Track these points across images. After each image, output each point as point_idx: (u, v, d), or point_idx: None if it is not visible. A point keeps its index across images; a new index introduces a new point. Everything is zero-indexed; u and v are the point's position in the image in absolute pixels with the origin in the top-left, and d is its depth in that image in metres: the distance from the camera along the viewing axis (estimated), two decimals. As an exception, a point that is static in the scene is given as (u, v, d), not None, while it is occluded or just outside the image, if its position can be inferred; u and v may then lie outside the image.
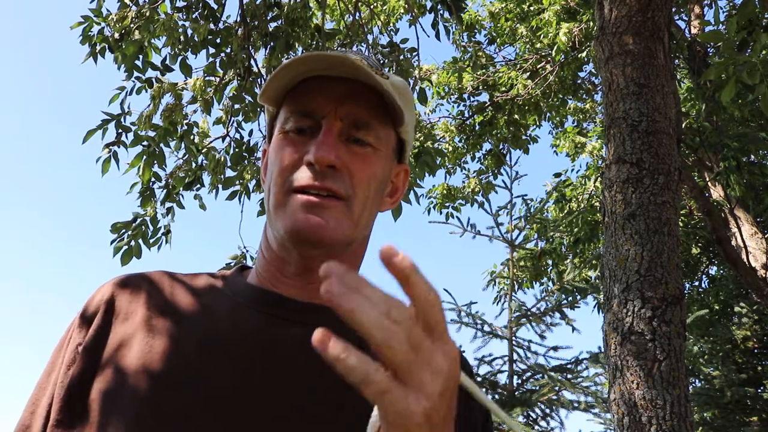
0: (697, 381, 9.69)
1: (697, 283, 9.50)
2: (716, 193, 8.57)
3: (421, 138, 7.36)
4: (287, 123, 0.97)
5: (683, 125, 6.98)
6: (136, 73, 5.46)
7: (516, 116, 10.08)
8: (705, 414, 9.28)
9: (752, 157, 7.93)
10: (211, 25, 5.61)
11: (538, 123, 10.60)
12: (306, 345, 0.86)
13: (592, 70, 10.54)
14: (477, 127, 10.46)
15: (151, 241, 5.79)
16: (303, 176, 0.92)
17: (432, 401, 0.55)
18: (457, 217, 9.64)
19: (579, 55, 9.57)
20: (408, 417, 0.55)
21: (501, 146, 10.26)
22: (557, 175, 11.06)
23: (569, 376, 6.62)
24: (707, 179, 8.59)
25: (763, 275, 7.37)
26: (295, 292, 0.97)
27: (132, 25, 5.30)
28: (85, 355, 0.89)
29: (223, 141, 6.07)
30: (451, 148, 10.47)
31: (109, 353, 0.89)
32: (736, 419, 9.38)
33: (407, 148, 1.06)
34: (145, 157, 5.51)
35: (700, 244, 9.31)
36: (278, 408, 0.85)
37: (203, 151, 5.94)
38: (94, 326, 0.92)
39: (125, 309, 0.94)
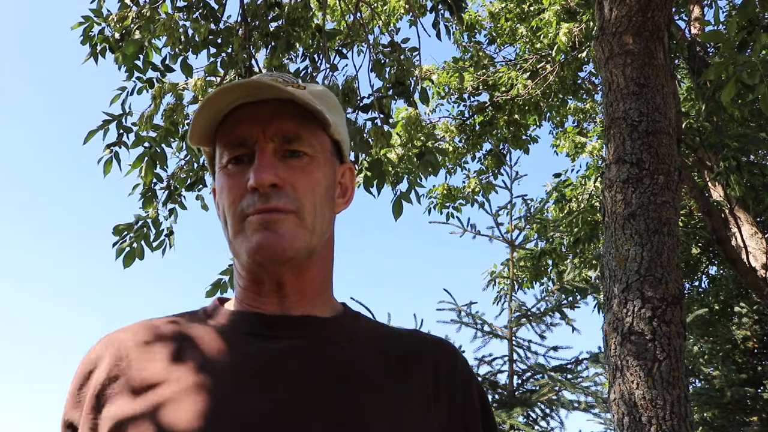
0: (697, 381, 9.70)
1: (697, 283, 9.52)
2: (716, 193, 8.57)
3: (422, 138, 7.37)
4: (223, 157, 1.01)
5: (683, 125, 6.99)
6: (136, 74, 5.46)
7: (516, 116, 10.09)
8: (705, 414, 9.29)
9: (752, 157, 7.94)
10: (212, 25, 5.61)
11: (538, 123, 10.61)
12: (296, 355, 0.96)
13: (592, 70, 10.54)
14: (477, 127, 10.47)
15: (155, 244, 5.79)
16: (251, 202, 0.96)
17: None
18: (457, 217, 9.67)
19: (579, 55, 9.57)
20: None
21: (501, 146, 10.27)
22: (557, 175, 11.07)
23: (569, 376, 6.63)
24: (707, 179, 8.59)
25: (763, 275, 7.38)
26: (274, 308, 1.01)
27: (132, 26, 5.31)
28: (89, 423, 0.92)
29: (224, 141, 6.06)
30: (451, 148, 10.48)
31: (117, 416, 0.91)
32: (736, 419, 9.39)
33: (344, 147, 1.09)
34: (146, 158, 5.51)
35: (700, 244, 9.32)
36: (285, 419, 0.88)
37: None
38: (88, 403, 0.95)
39: (122, 373, 0.96)
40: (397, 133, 7.70)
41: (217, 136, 1.02)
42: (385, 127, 5.34)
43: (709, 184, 8.66)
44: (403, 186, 5.66)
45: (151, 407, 0.89)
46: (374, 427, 0.91)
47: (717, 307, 8.78)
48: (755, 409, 9.53)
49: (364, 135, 5.38)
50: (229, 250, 1.05)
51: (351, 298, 6.97)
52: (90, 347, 1.03)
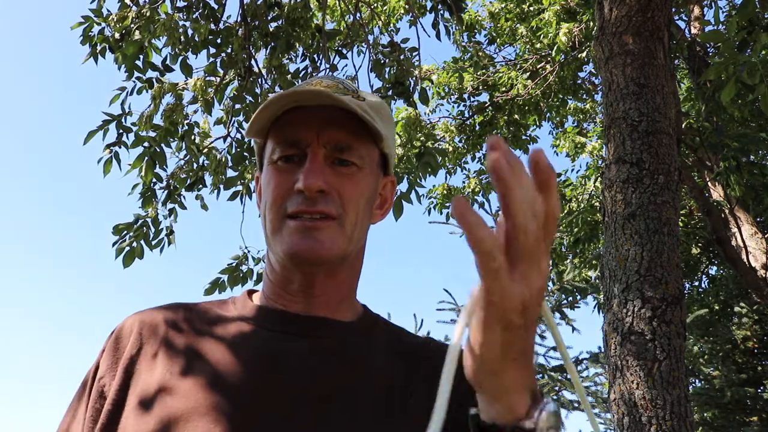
0: (697, 381, 9.70)
1: (697, 283, 9.52)
2: (716, 193, 8.57)
3: (422, 138, 7.37)
4: (274, 153, 1.03)
5: (683, 125, 6.99)
6: (136, 74, 5.46)
7: (516, 116, 10.09)
8: (705, 414, 9.29)
9: (752, 157, 7.94)
10: (212, 25, 5.61)
11: (538, 123, 10.60)
12: (314, 356, 0.98)
13: (592, 70, 10.55)
14: (477, 128, 10.47)
15: (153, 242, 5.79)
16: (295, 203, 0.98)
17: (532, 294, 0.61)
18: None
19: (579, 55, 9.57)
20: (511, 299, 0.60)
21: (501, 146, 10.24)
22: (557, 175, 11.05)
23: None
24: (707, 179, 8.59)
25: (763, 275, 7.38)
26: (299, 308, 1.03)
27: (132, 26, 5.31)
28: (116, 395, 0.95)
29: (224, 141, 6.06)
30: (451, 149, 10.48)
31: (140, 392, 0.94)
32: (736, 419, 9.39)
33: (390, 161, 1.11)
34: (146, 158, 5.51)
35: (700, 244, 9.33)
36: (296, 417, 0.90)
37: (204, 151, 5.94)
38: (121, 366, 0.98)
39: (151, 346, 1.00)
40: (397, 133, 7.71)
41: (271, 131, 1.05)
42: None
43: (709, 184, 8.66)
44: (403, 186, 5.66)
45: (170, 386, 0.93)
46: (360, 427, 0.93)
47: (717, 307, 8.79)
48: (755, 409, 9.53)
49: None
50: (266, 246, 1.08)
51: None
52: (122, 320, 1.07)
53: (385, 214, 1.14)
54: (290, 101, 1.00)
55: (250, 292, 1.13)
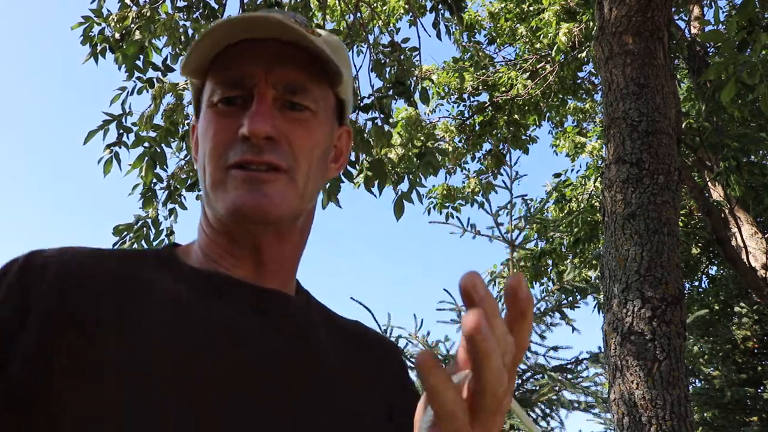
0: (697, 381, 9.70)
1: (697, 283, 9.53)
2: (716, 193, 8.58)
3: (422, 138, 7.37)
4: (214, 95, 0.89)
5: (683, 125, 6.99)
6: (136, 74, 5.47)
7: (516, 116, 10.10)
8: (705, 414, 9.30)
9: (752, 157, 7.94)
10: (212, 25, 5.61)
11: (538, 123, 10.61)
12: (274, 334, 0.85)
13: (592, 70, 10.55)
14: (477, 127, 10.48)
15: (154, 243, 5.79)
16: (239, 152, 0.85)
17: None
18: (457, 217, 9.64)
19: (579, 55, 9.58)
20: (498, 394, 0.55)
21: (501, 146, 10.27)
22: (557, 175, 11.07)
23: (569, 376, 6.63)
24: (707, 179, 8.59)
25: (763, 275, 7.39)
26: (245, 274, 0.90)
27: (132, 26, 5.31)
28: (33, 354, 0.72)
29: (223, 141, 6.06)
30: (451, 149, 10.48)
31: (72, 362, 0.72)
32: (735, 419, 9.41)
33: (347, 108, 0.99)
34: (146, 158, 5.52)
35: (700, 244, 9.33)
36: (268, 403, 0.78)
37: (204, 151, 5.94)
38: (38, 319, 0.75)
39: (81, 305, 0.77)
40: (398, 133, 7.71)
41: (210, 70, 0.90)
42: (386, 127, 5.34)
43: (709, 184, 8.66)
44: (404, 186, 5.66)
45: (103, 360, 0.72)
46: (335, 421, 0.83)
47: (717, 307, 8.80)
48: (755, 409, 9.54)
49: (365, 135, 5.38)
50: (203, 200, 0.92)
51: (351, 298, 6.96)
52: (29, 254, 0.83)
53: (340, 169, 1.01)
54: (235, 30, 0.86)
55: (175, 247, 0.96)
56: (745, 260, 7.46)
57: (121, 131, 5.45)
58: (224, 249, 0.90)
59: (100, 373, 0.71)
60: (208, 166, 0.88)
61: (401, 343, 6.75)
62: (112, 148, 5.41)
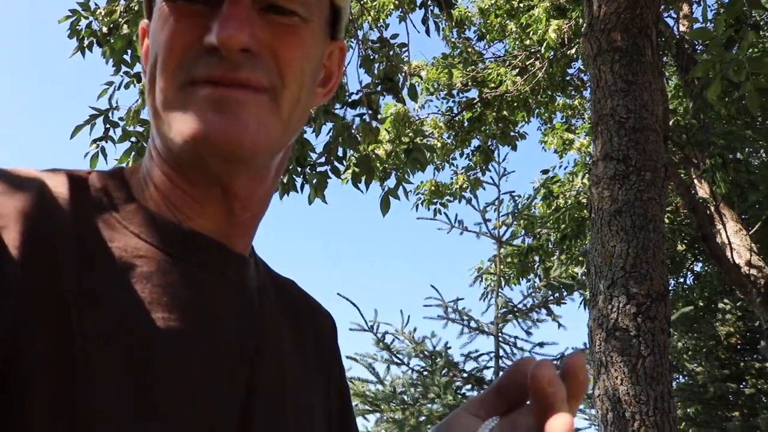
0: (680, 377, 9.79)
1: (682, 280, 9.60)
2: (702, 190, 8.63)
3: (410, 134, 7.38)
4: None
5: (670, 122, 7.03)
6: (124, 68, 5.45)
7: (505, 113, 10.12)
8: (688, 410, 9.38)
9: (738, 154, 8.00)
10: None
11: (526, 119, 10.64)
12: (239, 306, 0.71)
13: (581, 67, 10.59)
14: (466, 124, 10.49)
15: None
16: (206, 66, 0.65)
17: None
18: (444, 213, 9.68)
19: (568, 52, 9.60)
20: None
21: (489, 143, 10.29)
22: (545, 171, 11.10)
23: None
24: (693, 176, 8.64)
25: (747, 272, 7.44)
26: (214, 226, 0.72)
27: (120, 20, 5.28)
28: None
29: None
30: (439, 145, 10.49)
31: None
32: (718, 415, 9.51)
33: (342, 19, 0.78)
34: (133, 152, 5.50)
35: (685, 241, 9.39)
36: (234, 375, 0.68)
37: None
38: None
39: (35, 257, 0.60)
40: (386, 129, 7.71)
41: None
42: (374, 123, 5.34)
43: (695, 181, 8.71)
44: (391, 182, 5.67)
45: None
46: (289, 397, 0.75)
47: (701, 304, 8.87)
48: (737, 405, 9.65)
49: (353, 131, 5.39)
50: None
51: (337, 293, 6.97)
52: None
53: (328, 95, 0.81)
54: None
55: (118, 176, 0.73)
56: (730, 257, 7.51)
57: (108, 126, 5.43)
58: (185, 192, 0.70)
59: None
60: (160, 78, 0.67)
61: (388, 339, 6.76)
62: (98, 142, 5.39)
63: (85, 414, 0.56)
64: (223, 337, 0.68)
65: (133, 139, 5.50)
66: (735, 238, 7.86)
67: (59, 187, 0.66)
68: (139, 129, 5.50)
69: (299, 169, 5.73)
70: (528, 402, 0.57)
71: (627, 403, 3.34)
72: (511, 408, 0.59)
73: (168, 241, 0.68)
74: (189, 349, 0.64)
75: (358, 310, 6.91)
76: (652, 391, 3.34)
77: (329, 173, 5.62)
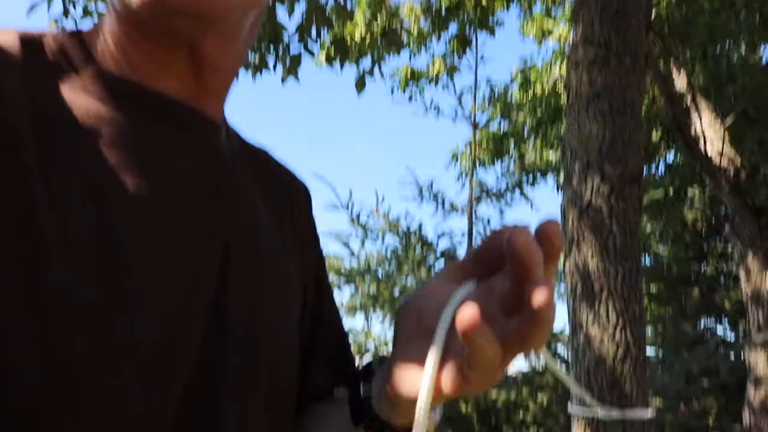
0: (647, 259, 10.12)
1: (654, 170, 9.75)
2: (680, 82, 8.63)
3: (386, 19, 7.24)
4: None
5: (653, 13, 6.96)
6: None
7: (484, 2, 9.90)
8: (652, 288, 9.75)
9: (719, 46, 7.97)
10: None
11: (506, 7, 10.43)
12: (208, 177, 0.69)
13: (565, -48, 10.32)
14: (444, 12, 10.27)
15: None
16: None
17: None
18: (421, 97, 9.61)
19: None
20: (493, 375, 0.54)
21: (467, 29, 10.12)
22: (523, 59, 11.00)
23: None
24: (672, 68, 8.63)
25: (718, 162, 7.57)
26: (180, 88, 0.68)
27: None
28: None
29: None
30: (416, 31, 10.30)
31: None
32: (679, 292, 9.94)
33: None
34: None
35: (660, 131, 9.48)
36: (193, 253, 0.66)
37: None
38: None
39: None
40: (362, 13, 7.55)
41: None
42: (348, 5, 5.21)
43: (674, 72, 8.71)
44: (367, 63, 5.60)
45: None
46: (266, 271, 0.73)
47: (671, 192, 9.06)
48: (697, 283, 10.08)
49: (327, 13, 5.26)
50: None
51: (313, 173, 7.01)
52: None
53: None
54: None
55: (81, 39, 0.67)
56: (702, 147, 7.61)
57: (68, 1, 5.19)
58: (149, 52, 0.65)
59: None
60: None
61: (363, 219, 6.85)
62: (58, 22, 5.18)
63: (50, 293, 0.54)
64: (195, 202, 0.66)
65: (96, 17, 5.31)
66: (709, 130, 7.94)
67: (9, 48, 0.61)
68: (102, 7, 5.32)
69: (272, 47, 5.60)
70: (505, 269, 0.56)
71: (596, 277, 3.47)
72: (489, 275, 0.58)
73: (132, 103, 0.64)
74: (160, 215, 0.62)
75: (334, 190, 6.99)
76: (621, 267, 3.46)
77: (303, 52, 5.52)
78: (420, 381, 0.55)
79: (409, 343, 0.60)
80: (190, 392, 0.61)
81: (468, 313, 0.49)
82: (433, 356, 0.55)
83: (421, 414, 0.55)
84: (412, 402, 0.56)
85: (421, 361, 0.56)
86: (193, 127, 0.68)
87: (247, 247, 0.71)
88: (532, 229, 0.53)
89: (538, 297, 0.49)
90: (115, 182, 0.60)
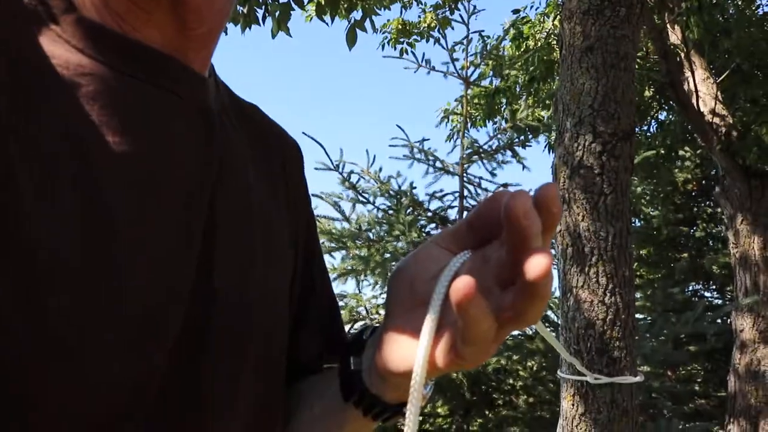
0: (637, 221, 10.10)
1: (646, 128, 9.66)
2: (674, 36, 8.49)
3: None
4: None
5: (648, -38, 6.77)
6: None
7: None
8: (642, 251, 9.75)
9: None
10: None
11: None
12: (196, 124, 0.66)
13: None
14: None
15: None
16: None
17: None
18: (412, 52, 9.46)
19: None
20: (487, 350, 0.53)
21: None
22: (516, 11, 10.79)
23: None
24: (667, 21, 8.47)
25: (710, 120, 7.47)
26: (164, 39, 0.64)
27: None
28: None
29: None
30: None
31: None
32: (668, 256, 9.96)
33: None
34: None
35: (652, 88, 9.36)
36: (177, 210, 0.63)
37: None
38: None
39: None
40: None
41: None
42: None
43: (668, 27, 8.56)
44: (358, 15, 5.47)
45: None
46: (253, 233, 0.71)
47: (662, 151, 8.99)
48: (687, 247, 10.09)
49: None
50: None
51: (303, 132, 6.88)
52: None
53: None
54: None
55: None
56: (695, 105, 7.50)
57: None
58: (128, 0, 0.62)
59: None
60: None
61: (353, 179, 6.76)
62: None
63: (29, 248, 0.51)
64: (181, 161, 0.63)
65: None
66: (702, 86, 7.82)
67: None
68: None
69: (260, 0, 5.49)
70: (501, 237, 0.54)
71: (587, 238, 3.39)
72: (483, 242, 0.56)
73: (114, 55, 0.60)
74: (143, 174, 0.59)
75: (324, 149, 6.85)
76: (612, 227, 3.38)
77: (292, 4, 5.38)
78: (412, 354, 0.55)
79: (402, 314, 0.60)
80: (178, 357, 0.60)
81: (463, 286, 0.47)
82: (428, 329, 0.54)
83: (416, 389, 0.54)
84: (404, 376, 0.56)
85: (413, 333, 0.56)
86: (179, 82, 0.65)
87: (237, 208, 0.69)
88: (530, 195, 0.51)
89: (535, 269, 0.47)
90: (100, 140, 0.57)
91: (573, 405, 3.29)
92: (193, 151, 0.65)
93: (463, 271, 0.54)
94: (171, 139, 0.63)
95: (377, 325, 0.70)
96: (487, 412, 6.23)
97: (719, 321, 8.68)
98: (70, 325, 0.52)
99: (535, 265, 0.47)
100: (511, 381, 6.28)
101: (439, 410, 5.91)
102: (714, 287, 10.49)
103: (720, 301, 10.27)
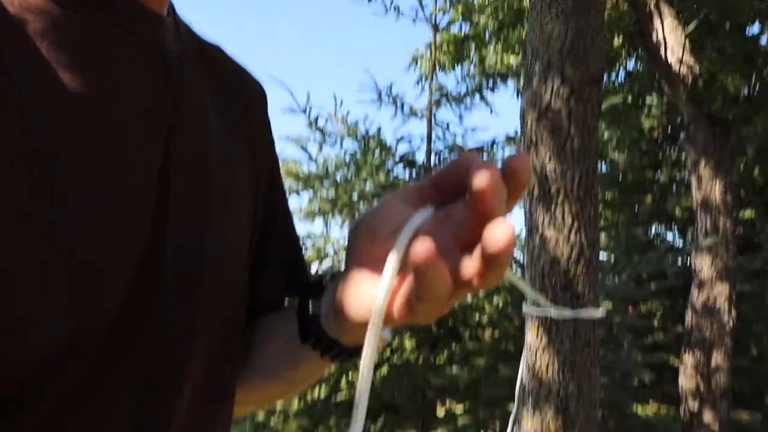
0: (603, 165, 10.25)
1: (615, 76, 9.73)
2: (643, -16, 8.51)
3: None
4: None
5: None
6: None
7: None
8: (607, 195, 9.92)
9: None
10: None
11: None
12: (152, 64, 0.64)
13: None
14: None
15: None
16: None
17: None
18: (381, -3, 9.34)
19: None
20: (441, 309, 0.54)
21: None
22: None
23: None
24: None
25: (678, 69, 7.56)
26: None
27: None
28: None
29: None
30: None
31: None
32: (632, 199, 10.15)
33: None
34: None
35: (621, 37, 9.40)
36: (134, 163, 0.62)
37: None
38: None
39: None
40: None
41: None
42: None
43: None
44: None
45: None
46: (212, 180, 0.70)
47: (630, 99, 9.08)
48: (651, 190, 10.29)
49: None
50: None
51: (269, 74, 6.82)
52: None
53: None
54: None
55: None
56: (663, 54, 7.57)
57: None
58: None
59: None
60: None
61: (321, 123, 6.75)
62: None
63: None
64: (136, 101, 0.61)
65: None
66: (670, 36, 7.88)
67: None
68: None
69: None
70: (465, 198, 0.54)
71: (553, 179, 3.46)
72: (447, 200, 0.57)
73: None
74: (93, 113, 0.57)
75: (291, 93, 6.83)
76: (578, 169, 3.46)
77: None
78: (369, 304, 0.55)
79: (361, 264, 0.60)
80: (131, 301, 0.59)
81: (422, 247, 0.47)
82: (385, 283, 0.54)
83: (371, 337, 0.54)
84: (360, 324, 0.57)
85: (371, 283, 0.57)
86: (136, 21, 0.62)
87: (194, 152, 0.67)
88: (499, 165, 0.52)
89: (497, 241, 0.47)
90: (47, 77, 0.54)
91: (537, 337, 3.41)
92: (149, 92, 0.63)
93: (425, 228, 0.54)
94: (125, 78, 0.61)
95: (337, 271, 0.71)
96: (453, 346, 6.39)
97: (680, 261, 8.94)
98: (11, 266, 0.51)
99: (498, 236, 0.47)
100: (477, 317, 6.42)
101: (407, 343, 6.05)
102: (676, 229, 10.75)
103: (681, 243, 10.54)
